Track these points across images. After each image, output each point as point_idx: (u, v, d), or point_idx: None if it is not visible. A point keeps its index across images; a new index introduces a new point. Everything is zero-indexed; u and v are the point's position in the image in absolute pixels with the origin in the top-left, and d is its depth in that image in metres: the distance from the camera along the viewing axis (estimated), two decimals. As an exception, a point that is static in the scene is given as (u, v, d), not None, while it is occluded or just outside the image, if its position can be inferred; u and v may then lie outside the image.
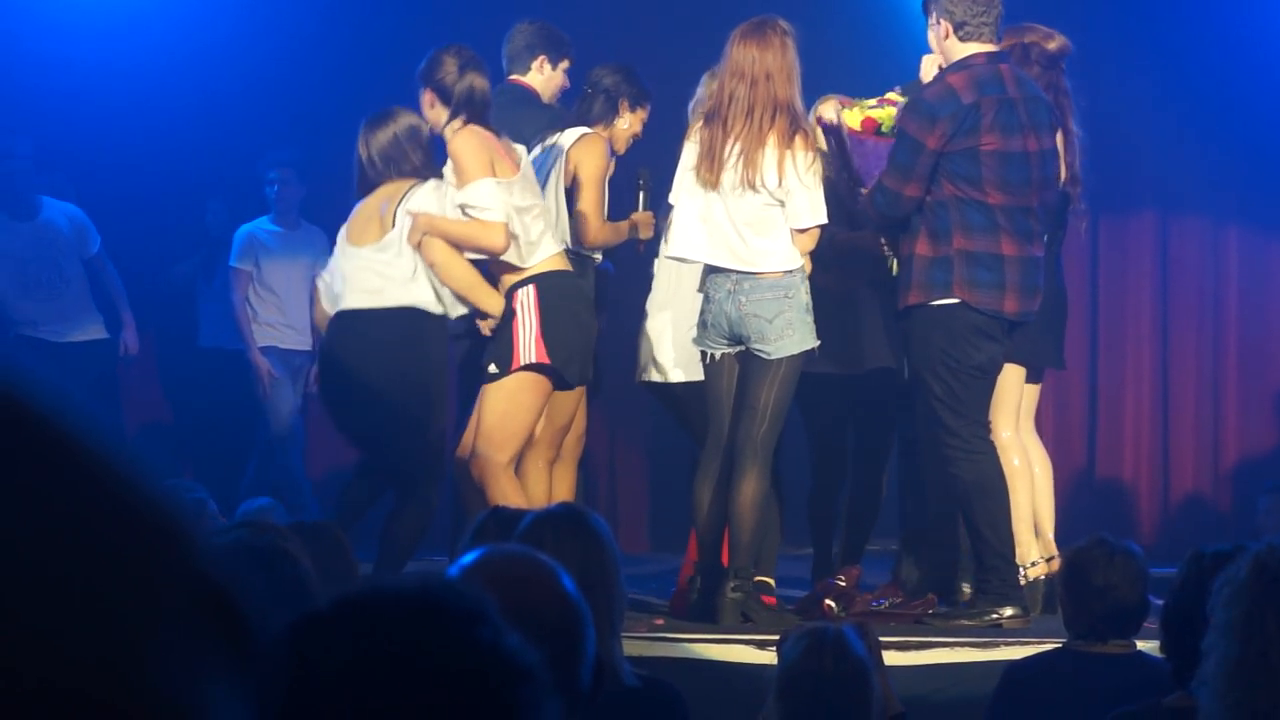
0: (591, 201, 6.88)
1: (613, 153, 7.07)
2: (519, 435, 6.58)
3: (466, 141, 6.51)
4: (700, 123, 6.63)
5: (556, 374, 6.57)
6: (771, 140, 6.47)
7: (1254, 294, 10.35)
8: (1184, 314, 10.40)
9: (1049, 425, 10.27)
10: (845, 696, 3.74)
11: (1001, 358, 6.58)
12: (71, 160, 9.40)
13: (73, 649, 0.67)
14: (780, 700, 3.78)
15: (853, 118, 6.83)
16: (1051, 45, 7.00)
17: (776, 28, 6.53)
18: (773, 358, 6.51)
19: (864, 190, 6.71)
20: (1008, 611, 6.42)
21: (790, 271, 6.55)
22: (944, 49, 6.55)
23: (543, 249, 6.59)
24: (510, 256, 6.53)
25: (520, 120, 6.98)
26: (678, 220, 6.65)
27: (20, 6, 9.64)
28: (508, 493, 6.32)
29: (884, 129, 6.73)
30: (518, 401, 6.55)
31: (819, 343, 6.62)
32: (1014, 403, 6.89)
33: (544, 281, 6.57)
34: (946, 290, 6.40)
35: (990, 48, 6.50)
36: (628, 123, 7.03)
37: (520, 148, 6.75)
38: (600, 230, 6.88)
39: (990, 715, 4.63)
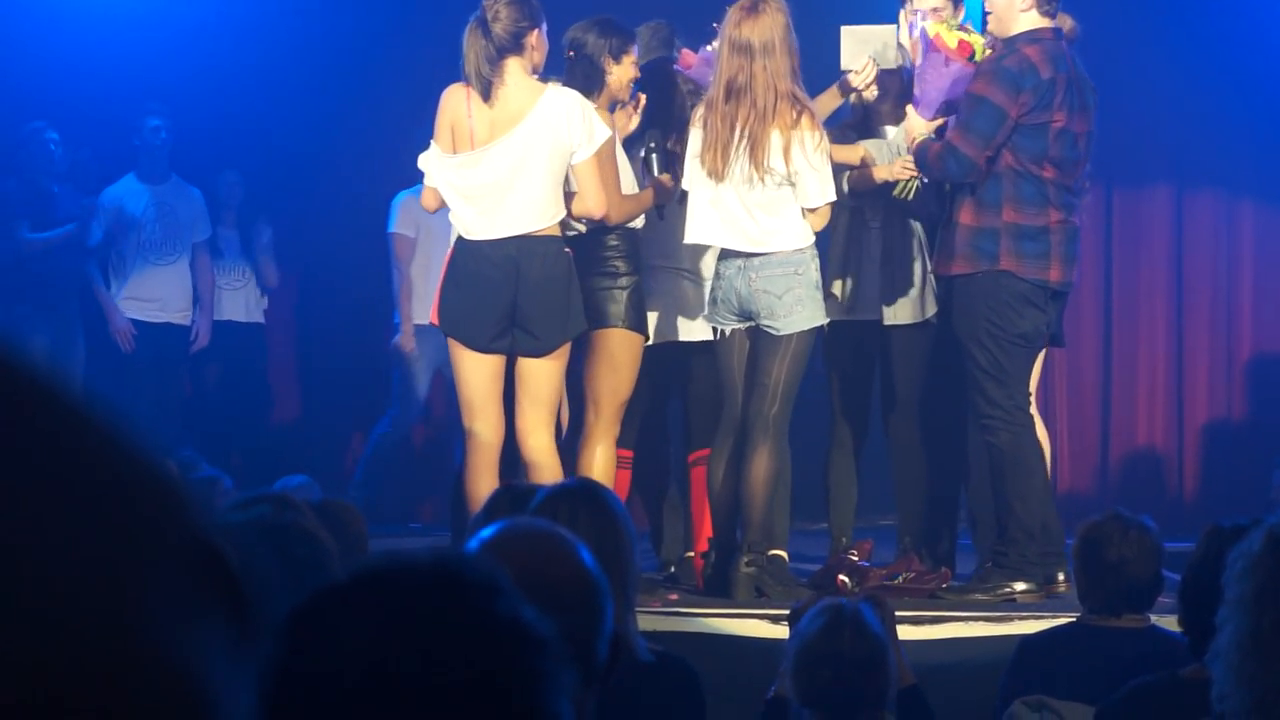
0: (609, 171, 6.79)
1: (616, 105, 6.97)
2: None
3: None
4: (703, 108, 6.61)
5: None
6: (776, 125, 6.46)
7: (1269, 267, 10.33)
8: (1198, 288, 10.39)
9: (1063, 400, 10.28)
10: (862, 675, 3.74)
11: (1045, 327, 6.57)
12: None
13: (66, 611, 0.67)
14: (797, 678, 3.79)
15: (951, 36, 6.60)
16: (1064, 29, 7.02)
17: (769, 5, 6.50)
18: (782, 334, 6.51)
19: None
20: (1020, 586, 6.43)
21: (800, 249, 6.55)
22: (1012, 17, 6.48)
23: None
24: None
25: None
26: (691, 207, 6.66)
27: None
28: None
29: (975, 56, 6.60)
30: None
31: (828, 320, 6.64)
32: (1035, 379, 6.90)
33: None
34: (993, 261, 6.41)
35: (1052, 24, 6.52)
36: (616, 75, 6.80)
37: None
38: (619, 205, 6.76)
39: (1004, 688, 4.64)
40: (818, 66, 7.03)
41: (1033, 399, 6.91)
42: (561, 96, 6.40)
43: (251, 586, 0.78)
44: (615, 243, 6.77)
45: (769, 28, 6.46)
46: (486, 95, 6.38)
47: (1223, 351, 10.36)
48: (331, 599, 1.37)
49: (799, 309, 6.52)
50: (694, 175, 6.63)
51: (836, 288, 7.12)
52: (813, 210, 6.55)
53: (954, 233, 6.50)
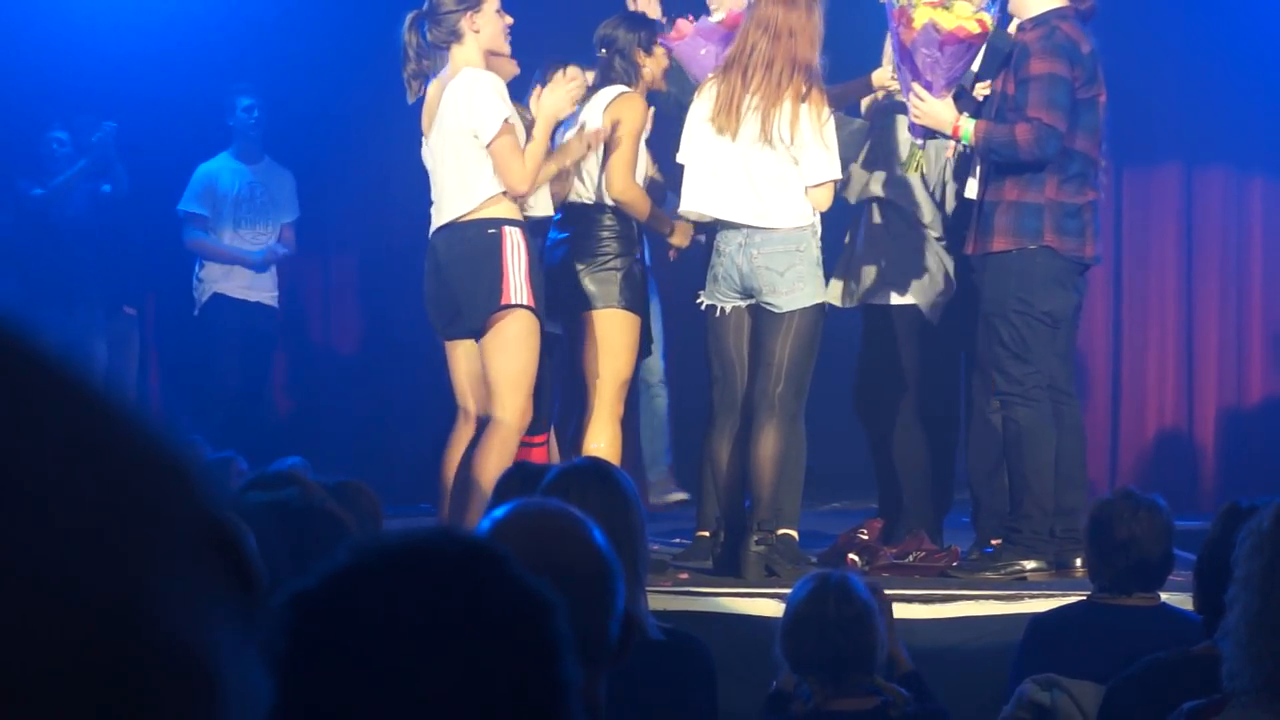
0: (625, 155, 6.78)
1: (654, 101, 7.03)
2: None
3: None
4: (714, 76, 6.65)
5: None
6: (788, 95, 6.48)
7: (1278, 244, 10.31)
8: (1207, 265, 10.37)
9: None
10: (849, 639, 3.79)
11: (1071, 309, 6.58)
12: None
13: (76, 588, 0.67)
14: (784, 641, 3.84)
15: (948, 19, 6.54)
16: (1084, 5, 7.04)
17: None
18: (782, 311, 6.52)
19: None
20: (1031, 564, 6.43)
21: (802, 227, 6.57)
22: (1029, 2, 6.50)
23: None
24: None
25: None
26: (690, 176, 6.67)
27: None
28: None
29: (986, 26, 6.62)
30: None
31: (828, 297, 6.66)
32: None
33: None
34: (1037, 238, 6.42)
35: (1069, 4, 6.55)
36: (651, 66, 6.92)
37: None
38: (629, 187, 6.79)
39: (1015, 667, 4.64)
40: (846, 43, 7.06)
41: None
42: (462, 80, 6.41)
43: (260, 566, 0.78)
44: (610, 223, 6.83)
45: (798, 8, 6.51)
46: (413, 89, 6.49)
47: (1232, 328, 10.35)
48: (344, 575, 1.38)
49: (800, 286, 6.53)
50: (695, 141, 6.65)
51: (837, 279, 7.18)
52: (815, 186, 6.56)
53: (993, 210, 6.47)
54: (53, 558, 0.68)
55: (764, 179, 6.55)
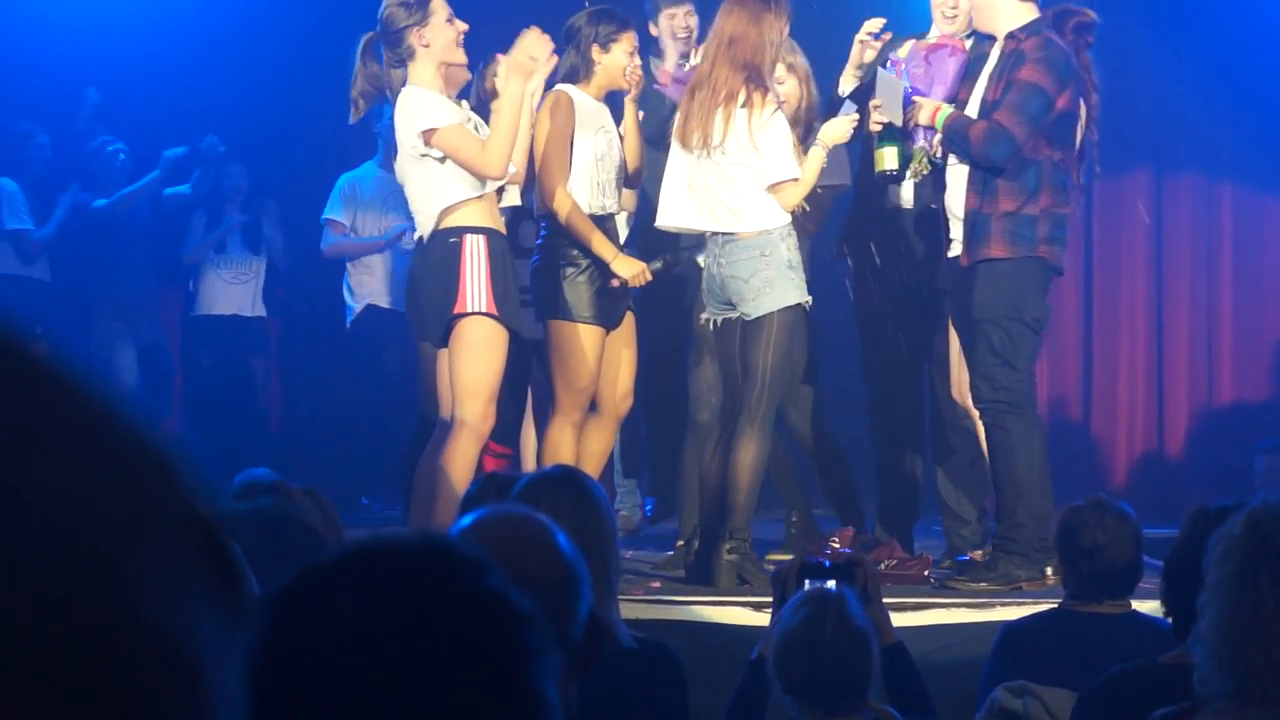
0: (547, 166, 6.68)
1: (643, 95, 7.00)
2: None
3: None
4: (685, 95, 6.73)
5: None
6: (724, 101, 6.52)
7: (1248, 250, 10.36)
8: (1178, 271, 10.41)
9: (1043, 383, 10.29)
10: (844, 665, 3.74)
11: (1048, 316, 6.62)
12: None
13: (64, 583, 0.68)
14: (779, 666, 3.79)
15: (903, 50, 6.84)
16: (1086, 19, 7.16)
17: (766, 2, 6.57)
18: (751, 317, 6.54)
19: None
20: (1026, 573, 6.41)
21: (766, 230, 6.57)
22: (998, 12, 6.53)
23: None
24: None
25: None
26: (665, 188, 6.70)
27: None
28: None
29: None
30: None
31: (809, 299, 6.63)
32: None
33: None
34: (1031, 247, 6.44)
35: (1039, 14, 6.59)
36: (605, 64, 6.77)
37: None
38: (551, 199, 6.64)
39: (987, 674, 4.64)
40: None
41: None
42: (399, 102, 6.41)
43: (244, 566, 0.78)
44: (564, 235, 6.75)
45: (743, 16, 6.54)
46: (358, 109, 6.51)
47: (1203, 334, 10.39)
48: (319, 576, 1.38)
49: (767, 290, 6.53)
50: (670, 159, 6.73)
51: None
52: (774, 186, 6.56)
53: (989, 219, 6.48)
54: (39, 555, 0.68)
55: (723, 187, 6.59)
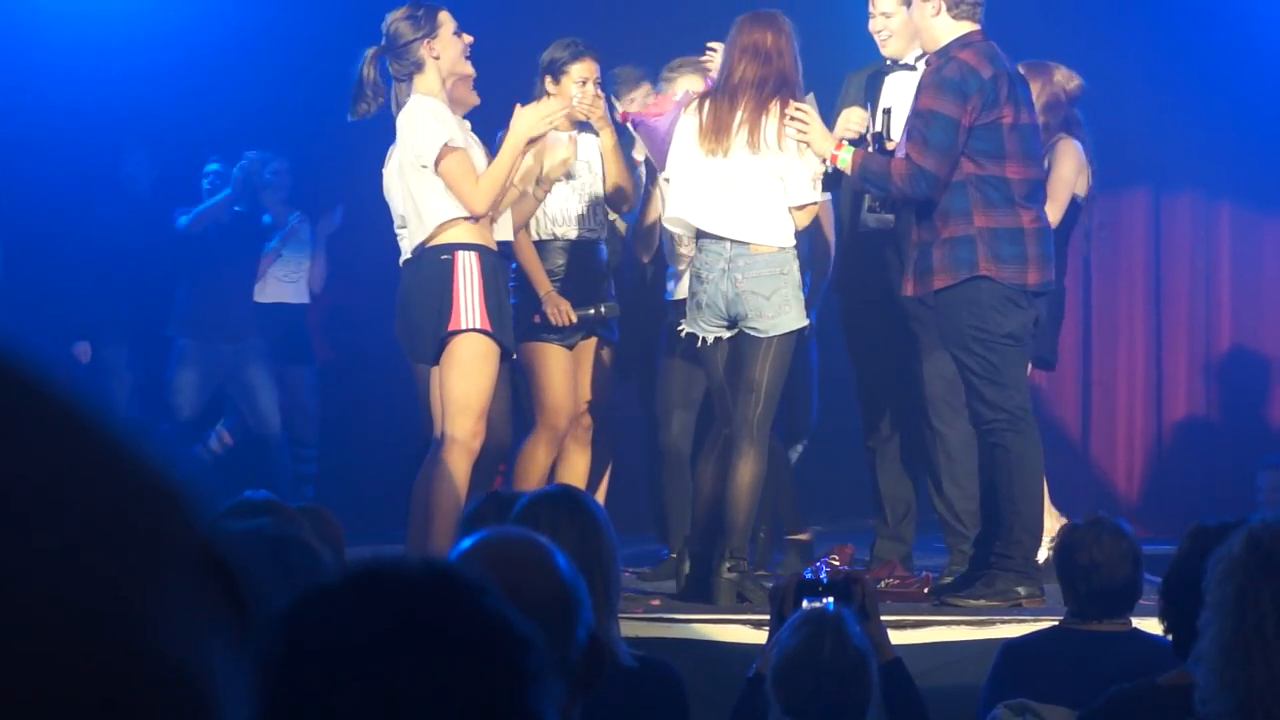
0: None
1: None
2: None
3: None
4: (698, 101, 6.67)
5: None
6: (774, 111, 6.52)
7: (1246, 271, 10.36)
8: (1177, 290, 10.41)
9: (1042, 401, 10.30)
10: (843, 687, 3.73)
11: (1031, 325, 6.56)
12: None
13: (73, 610, 0.68)
14: (777, 687, 3.78)
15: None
16: (1072, 85, 7.18)
17: (781, 16, 6.65)
18: (765, 335, 6.52)
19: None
20: (1023, 590, 6.40)
21: (785, 248, 6.57)
22: (930, 28, 6.52)
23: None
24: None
25: None
26: (675, 187, 6.68)
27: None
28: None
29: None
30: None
31: (809, 323, 6.67)
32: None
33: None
34: (972, 269, 6.39)
35: (978, 28, 6.52)
36: (556, 96, 6.82)
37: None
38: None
39: (987, 692, 4.63)
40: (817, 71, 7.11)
41: None
42: (405, 111, 6.42)
43: (251, 591, 0.79)
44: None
45: (782, 34, 6.57)
46: (358, 115, 6.51)
47: (1201, 353, 10.39)
48: (324, 598, 1.38)
49: (786, 309, 6.54)
50: (684, 159, 6.66)
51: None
52: (799, 208, 6.58)
53: (929, 250, 6.47)
54: (46, 581, 0.68)
55: (751, 196, 6.56)
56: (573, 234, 7.11)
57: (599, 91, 6.98)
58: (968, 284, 6.39)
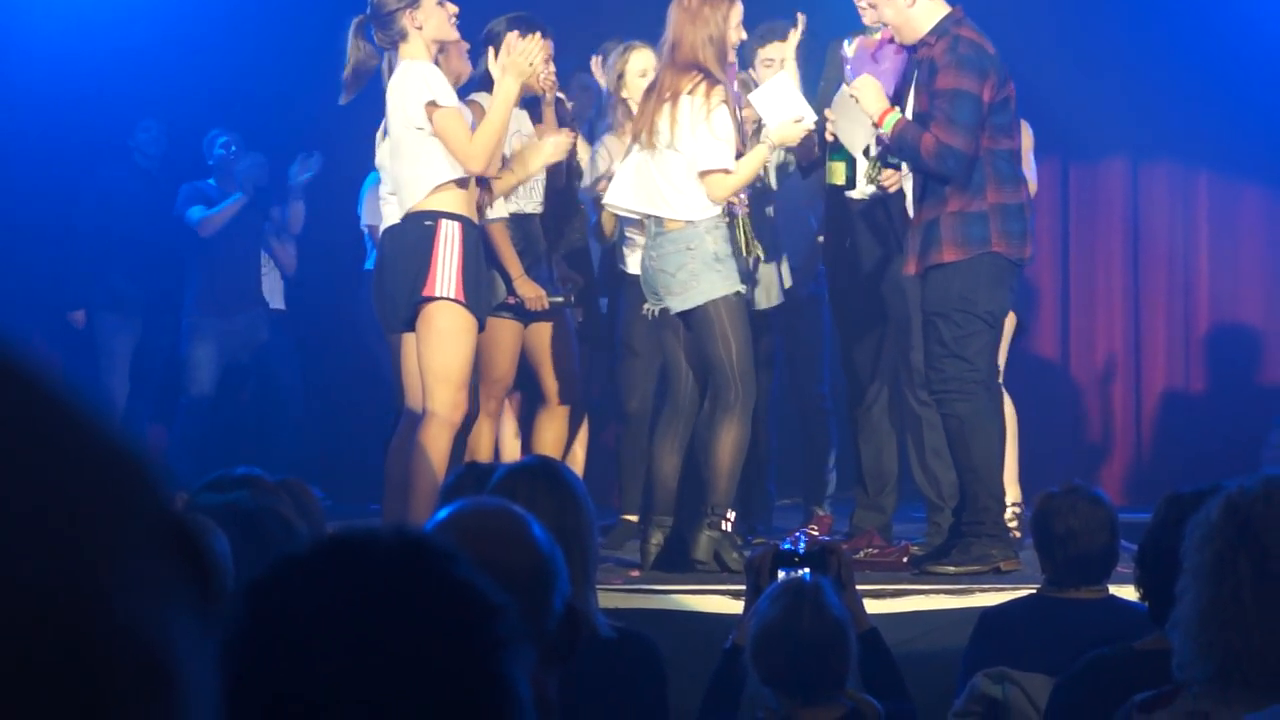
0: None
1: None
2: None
3: None
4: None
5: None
6: (669, 92, 6.59)
7: (1224, 239, 10.39)
8: (1155, 260, 10.43)
9: (1021, 372, 10.32)
10: (821, 657, 3.74)
11: (1008, 308, 6.60)
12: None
13: (35, 579, 0.68)
14: (756, 658, 3.79)
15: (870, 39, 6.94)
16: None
17: None
18: (675, 311, 6.58)
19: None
20: (998, 552, 6.43)
21: (694, 222, 6.59)
22: (908, 19, 6.52)
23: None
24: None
25: None
26: (617, 173, 6.82)
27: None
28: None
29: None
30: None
31: (741, 288, 6.62)
32: (1003, 354, 6.92)
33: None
34: (984, 245, 6.42)
35: (958, 7, 6.56)
36: (499, 66, 6.73)
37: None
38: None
39: (966, 660, 4.65)
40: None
41: (1000, 374, 6.94)
42: (396, 76, 6.40)
43: (217, 563, 0.78)
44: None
45: (681, 18, 6.59)
46: (350, 91, 6.49)
47: (1180, 322, 10.41)
48: (292, 567, 1.38)
49: (694, 284, 6.56)
50: (630, 145, 6.82)
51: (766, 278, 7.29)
52: (704, 174, 6.57)
53: (937, 224, 6.47)
54: (9, 555, 0.68)
55: (662, 174, 6.62)
56: (519, 209, 7.09)
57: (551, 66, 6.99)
58: (977, 260, 6.41)
